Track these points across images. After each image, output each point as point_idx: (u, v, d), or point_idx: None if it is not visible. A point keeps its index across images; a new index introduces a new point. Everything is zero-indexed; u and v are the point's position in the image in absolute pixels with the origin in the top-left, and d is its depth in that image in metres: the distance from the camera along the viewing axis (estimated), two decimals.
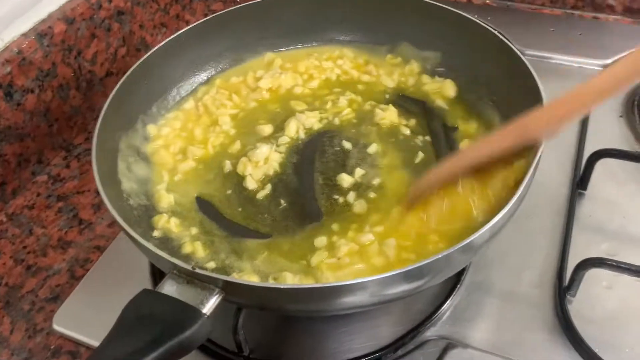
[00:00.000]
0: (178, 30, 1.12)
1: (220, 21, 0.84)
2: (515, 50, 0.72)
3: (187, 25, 1.15)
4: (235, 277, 0.58)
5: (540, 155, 0.60)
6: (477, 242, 0.54)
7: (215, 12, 1.20)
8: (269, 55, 0.89)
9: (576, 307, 0.66)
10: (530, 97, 0.66)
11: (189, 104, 0.83)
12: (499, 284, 0.70)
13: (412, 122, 0.79)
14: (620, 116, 0.89)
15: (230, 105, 0.82)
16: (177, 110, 0.83)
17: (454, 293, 0.68)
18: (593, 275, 0.64)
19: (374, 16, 0.86)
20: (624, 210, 0.76)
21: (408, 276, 0.52)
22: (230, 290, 0.52)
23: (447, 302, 0.68)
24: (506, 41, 0.74)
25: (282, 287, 0.50)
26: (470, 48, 0.79)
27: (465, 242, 0.52)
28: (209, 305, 0.51)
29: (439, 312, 0.67)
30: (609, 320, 0.65)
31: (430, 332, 0.66)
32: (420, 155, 0.74)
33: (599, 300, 0.67)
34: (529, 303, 0.67)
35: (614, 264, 0.61)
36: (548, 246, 0.73)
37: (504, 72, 0.74)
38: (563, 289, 0.66)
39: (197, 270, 0.51)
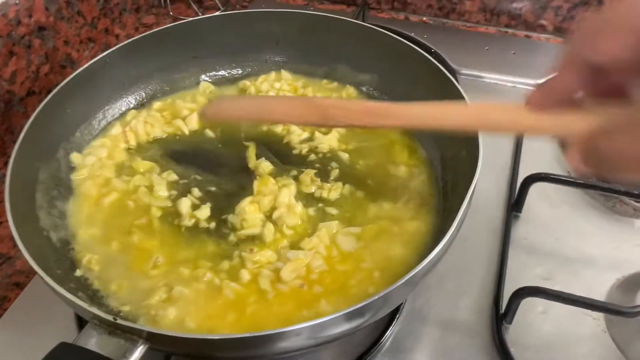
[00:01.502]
0: (107, 45, 1.08)
1: (150, 41, 0.80)
2: (446, 72, 0.72)
3: (117, 39, 1.11)
4: (158, 329, 0.54)
5: (475, 186, 0.59)
6: (419, 275, 0.53)
7: (146, 25, 1.17)
8: (203, 84, 0.86)
9: (513, 333, 0.66)
10: None
11: (116, 129, 0.78)
12: (438, 311, 0.69)
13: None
14: (553, 136, 0.91)
15: (160, 131, 0.78)
16: (103, 136, 0.78)
17: (394, 323, 0.67)
18: (529, 300, 0.65)
19: (311, 38, 0.85)
20: (557, 232, 0.77)
21: (349, 317, 0.50)
22: (156, 340, 0.49)
23: (387, 332, 0.67)
24: (437, 64, 0.73)
25: (210, 337, 0.47)
26: (405, 71, 0.79)
27: (407, 278, 0.51)
28: (133, 358, 0.48)
29: (379, 343, 0.66)
30: (545, 345, 0.66)
31: None
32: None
33: (535, 325, 0.67)
34: (468, 331, 0.67)
35: (548, 292, 0.62)
36: (485, 270, 0.73)
37: (437, 95, 0.73)
38: (500, 316, 0.67)
39: (119, 321, 0.48)
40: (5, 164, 0.89)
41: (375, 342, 0.66)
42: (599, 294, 0.70)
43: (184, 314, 0.58)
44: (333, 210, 0.68)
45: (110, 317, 0.48)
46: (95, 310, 0.49)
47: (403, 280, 0.51)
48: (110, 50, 0.77)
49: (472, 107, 0.51)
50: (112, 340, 0.49)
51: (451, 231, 0.55)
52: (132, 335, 0.49)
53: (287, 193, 0.68)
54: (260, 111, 0.63)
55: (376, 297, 0.50)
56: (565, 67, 0.40)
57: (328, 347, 0.66)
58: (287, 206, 0.67)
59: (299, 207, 0.68)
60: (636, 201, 0.78)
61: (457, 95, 0.68)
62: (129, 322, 0.49)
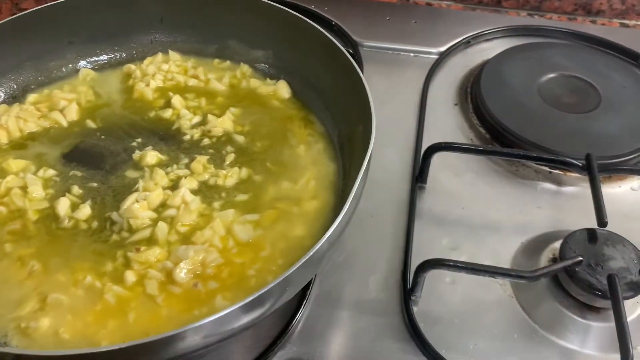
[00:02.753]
0: None
1: (16, 26, 0.72)
2: (339, 45, 0.69)
3: None
4: (22, 350, 0.49)
5: (369, 160, 0.57)
6: (317, 256, 0.50)
7: (25, 10, 1.07)
8: (83, 72, 0.79)
9: (423, 307, 0.65)
10: (356, 93, 0.63)
11: None
12: (347, 292, 0.67)
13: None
14: (455, 104, 0.90)
15: (35, 125, 0.71)
16: None
17: (301, 309, 0.64)
18: (436, 273, 0.64)
19: (198, 14, 0.79)
20: (462, 201, 0.76)
21: (247, 308, 0.47)
22: None
23: (294, 319, 0.64)
24: (330, 37, 0.70)
25: (77, 353, 0.42)
26: (300, 45, 0.75)
27: (304, 260, 0.48)
28: None
29: (287, 331, 0.63)
30: (454, 317, 0.65)
31: (282, 354, 0.61)
32: None
33: (444, 297, 0.66)
34: (378, 310, 0.65)
35: (451, 264, 0.61)
36: (393, 245, 0.71)
37: (333, 69, 0.70)
38: (407, 291, 0.65)
39: None
40: None
41: (282, 331, 0.63)
42: (505, 260, 0.70)
43: (59, 323, 0.53)
44: (229, 198, 0.64)
45: None
46: None
47: (299, 263, 0.48)
48: None
49: None
50: None
51: (346, 207, 0.52)
52: None
53: (181, 188, 0.63)
54: None
55: (272, 285, 0.47)
56: None
57: (238, 339, 0.62)
58: (183, 203, 0.62)
59: (196, 202, 0.63)
60: (537, 164, 0.78)
61: (348, 66, 0.65)
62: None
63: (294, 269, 0.48)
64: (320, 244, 0.49)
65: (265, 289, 0.47)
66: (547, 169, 0.79)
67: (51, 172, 0.66)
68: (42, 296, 0.56)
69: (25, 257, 0.59)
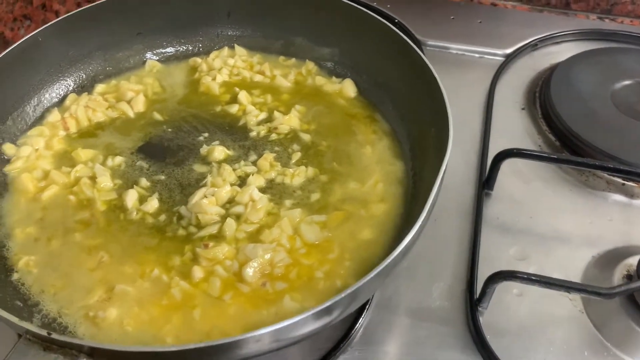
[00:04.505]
0: (46, 22, 0.99)
1: (88, 16, 0.73)
2: (410, 42, 0.67)
3: (57, 16, 1.03)
4: (99, 343, 0.49)
5: (446, 168, 0.55)
6: (390, 266, 0.49)
7: (89, 0, 1.08)
8: (150, 63, 0.79)
9: (488, 318, 0.63)
10: (429, 94, 0.62)
11: (54, 116, 0.71)
12: (409, 299, 0.65)
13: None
14: (523, 108, 0.87)
15: (103, 116, 0.71)
16: (40, 124, 0.71)
17: (363, 314, 0.63)
18: (505, 283, 0.62)
19: (265, 9, 0.79)
20: (530, 209, 0.74)
21: (316, 316, 0.46)
22: (98, 354, 0.43)
23: (357, 324, 0.62)
24: (400, 34, 0.68)
25: (154, 350, 0.42)
26: (367, 43, 0.74)
27: (377, 270, 0.47)
28: None
29: (348, 337, 0.62)
30: (522, 330, 0.62)
31: (343, 358, 0.60)
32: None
33: (511, 309, 0.64)
34: (441, 318, 0.64)
35: (524, 276, 0.58)
36: (457, 252, 0.69)
37: (402, 67, 0.69)
38: (474, 301, 0.63)
39: (54, 336, 0.42)
40: None
41: (345, 336, 0.62)
42: (575, 273, 0.67)
43: (125, 314, 0.54)
44: (296, 197, 0.63)
45: (44, 332, 0.43)
46: (26, 325, 0.43)
47: (373, 274, 0.47)
48: (43, 27, 0.69)
49: None
50: (48, 357, 0.43)
51: (422, 218, 0.51)
52: (71, 349, 0.43)
53: (250, 186, 0.62)
54: None
55: (344, 294, 0.46)
56: None
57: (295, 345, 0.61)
58: (250, 200, 0.61)
59: (263, 200, 0.62)
60: (609, 174, 0.75)
61: (423, 67, 0.64)
62: (66, 337, 0.43)
63: (368, 279, 0.47)
64: (394, 255, 0.48)
65: (337, 298, 0.45)
66: (619, 180, 0.75)
67: (119, 162, 0.67)
68: (109, 286, 0.56)
69: (94, 247, 0.60)
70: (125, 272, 0.57)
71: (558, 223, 0.72)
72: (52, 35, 0.70)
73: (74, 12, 0.72)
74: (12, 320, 0.44)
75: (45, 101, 0.72)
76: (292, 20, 0.79)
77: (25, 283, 0.57)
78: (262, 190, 0.63)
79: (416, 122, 0.67)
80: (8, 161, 0.66)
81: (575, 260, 0.68)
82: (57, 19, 0.70)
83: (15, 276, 0.57)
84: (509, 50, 0.96)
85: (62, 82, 0.74)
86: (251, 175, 0.64)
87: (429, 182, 0.54)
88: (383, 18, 0.98)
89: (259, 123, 0.71)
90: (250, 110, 0.72)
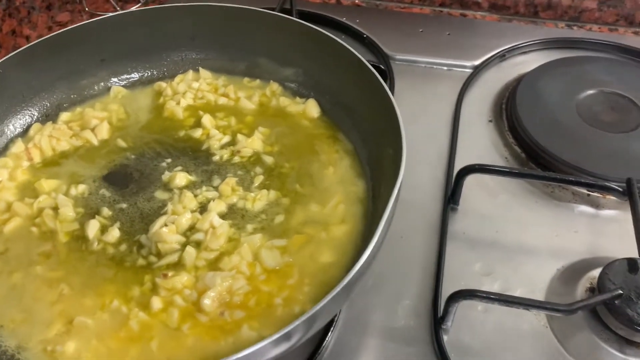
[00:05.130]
0: (16, 48, 1.00)
1: (49, 45, 0.73)
2: (368, 65, 0.67)
3: (28, 41, 1.03)
4: None
5: (400, 186, 0.55)
6: (347, 288, 0.49)
7: (60, 24, 1.09)
8: (114, 89, 0.79)
9: (454, 336, 0.63)
10: (386, 115, 0.62)
11: (18, 147, 0.71)
12: (376, 318, 0.65)
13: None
14: (490, 121, 0.88)
15: (67, 144, 0.72)
16: (3, 155, 0.71)
17: (328, 336, 0.63)
18: (469, 301, 0.62)
19: (229, 32, 0.79)
20: (496, 223, 0.74)
21: (275, 343, 0.46)
22: None
23: (322, 346, 0.62)
24: (359, 56, 0.68)
25: None
26: (330, 64, 0.74)
27: (332, 295, 0.47)
28: None
29: (315, 357, 0.62)
30: (486, 347, 0.63)
31: None
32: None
33: (476, 326, 0.64)
34: (407, 338, 0.64)
35: (484, 295, 0.59)
36: (423, 269, 0.70)
37: (363, 88, 0.69)
38: (438, 320, 0.63)
39: None
40: None
41: (310, 357, 0.62)
42: (540, 287, 0.67)
43: (84, 348, 0.54)
44: (257, 222, 0.64)
45: None
46: None
47: (328, 298, 0.47)
48: (3, 59, 0.70)
49: None
50: None
51: (376, 237, 0.51)
52: None
53: (210, 212, 0.63)
54: None
55: (300, 321, 0.46)
56: None
57: None
58: (211, 227, 0.61)
59: (224, 226, 0.62)
60: (574, 186, 0.75)
61: (378, 86, 0.64)
62: None
63: (323, 303, 0.47)
64: (349, 278, 0.48)
65: (293, 325, 0.46)
66: (585, 191, 0.76)
67: (82, 191, 0.67)
68: (68, 319, 0.56)
69: (55, 279, 0.60)
70: (85, 304, 0.57)
71: (524, 236, 0.73)
72: (13, 66, 0.70)
73: (35, 42, 0.72)
74: None
75: (8, 132, 0.73)
76: (255, 41, 0.79)
77: None
78: (223, 215, 0.64)
79: (375, 142, 0.67)
80: None
81: (541, 274, 0.69)
82: (18, 50, 0.70)
83: None
84: (477, 62, 0.96)
85: (25, 112, 0.75)
86: (212, 201, 0.64)
87: (386, 201, 0.55)
88: (352, 34, 1.00)
89: (222, 147, 0.72)
90: (213, 134, 0.73)
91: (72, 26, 0.74)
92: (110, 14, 0.75)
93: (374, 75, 0.65)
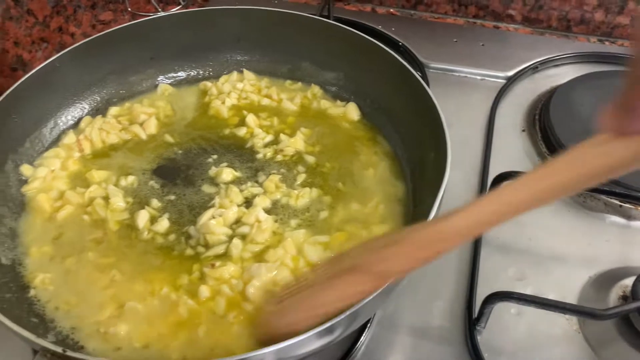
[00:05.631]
0: (62, 44, 1.03)
1: (103, 42, 0.76)
2: (409, 68, 0.69)
3: (73, 38, 1.06)
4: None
5: (444, 192, 0.57)
6: (389, 288, 0.51)
7: (103, 22, 1.12)
8: (162, 87, 0.82)
9: (486, 337, 0.65)
10: (429, 120, 0.64)
11: (70, 138, 0.74)
12: (410, 318, 0.67)
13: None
14: (523, 130, 0.89)
15: (116, 138, 0.74)
16: (56, 146, 0.74)
17: (365, 333, 0.65)
18: (502, 303, 0.63)
19: (273, 35, 0.81)
20: (529, 230, 0.76)
21: (318, 336, 0.48)
22: None
23: (358, 343, 0.64)
24: (401, 60, 0.71)
25: None
26: (371, 67, 0.76)
27: (379, 290, 0.49)
28: None
29: (351, 354, 0.64)
30: (519, 349, 0.64)
31: None
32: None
33: (509, 328, 0.66)
34: (441, 337, 0.66)
35: (520, 297, 0.60)
36: (458, 271, 0.71)
37: (403, 91, 0.71)
38: (472, 321, 0.65)
39: (69, 354, 0.45)
40: None
41: (345, 355, 0.64)
42: (572, 293, 0.69)
43: (134, 331, 0.56)
44: (300, 218, 0.66)
45: (59, 349, 0.45)
46: (42, 342, 0.46)
47: (372, 296, 0.49)
48: (60, 54, 0.73)
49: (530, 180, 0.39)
50: None
51: None
52: None
53: (256, 207, 0.65)
54: (313, 313, 0.48)
55: (345, 315, 0.48)
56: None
57: None
58: (256, 221, 0.64)
59: (269, 221, 0.64)
60: (607, 197, 0.77)
61: (423, 93, 0.66)
62: (80, 354, 0.46)
63: (368, 300, 0.49)
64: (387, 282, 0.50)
65: (339, 318, 0.47)
66: (617, 202, 0.77)
67: (131, 182, 0.69)
68: (120, 303, 0.59)
69: (106, 265, 0.62)
70: (135, 289, 0.60)
71: (556, 244, 0.74)
72: (69, 60, 0.73)
73: (89, 38, 0.75)
74: (29, 337, 0.46)
75: (61, 124, 0.75)
76: (298, 46, 0.81)
77: (40, 300, 0.60)
78: (268, 211, 0.66)
79: (417, 146, 0.69)
80: (25, 182, 0.69)
81: (572, 281, 0.70)
82: (74, 46, 0.73)
83: (31, 293, 0.60)
84: (510, 73, 0.98)
85: (77, 105, 0.77)
86: (257, 197, 0.67)
87: (429, 204, 0.57)
88: (387, 42, 1.02)
89: (266, 145, 0.74)
90: (257, 132, 0.75)
91: (125, 24, 0.77)
92: (162, 14, 0.79)
93: (418, 81, 0.67)
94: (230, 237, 0.63)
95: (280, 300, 0.51)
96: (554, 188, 0.37)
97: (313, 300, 0.48)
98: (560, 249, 0.74)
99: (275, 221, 0.65)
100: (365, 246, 0.48)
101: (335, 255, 0.54)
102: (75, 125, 0.77)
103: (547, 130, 0.86)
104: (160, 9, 1.14)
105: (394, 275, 0.45)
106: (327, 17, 1.02)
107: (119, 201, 0.67)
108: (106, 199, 0.68)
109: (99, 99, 0.79)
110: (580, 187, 0.38)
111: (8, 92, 0.67)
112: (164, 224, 0.65)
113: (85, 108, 0.78)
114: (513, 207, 0.40)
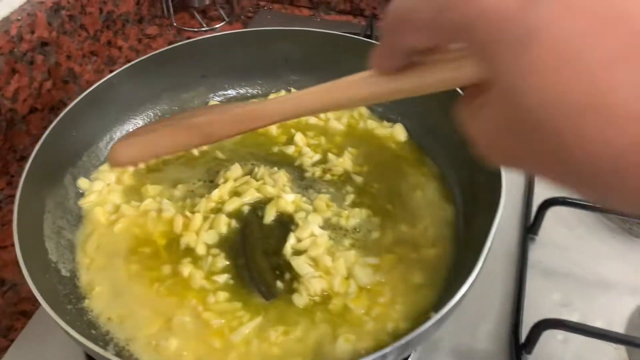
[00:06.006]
0: (110, 57, 1.06)
1: (158, 60, 0.78)
2: (462, 93, 0.70)
3: (120, 51, 1.09)
4: None
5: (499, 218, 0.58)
6: (447, 316, 0.52)
7: (149, 36, 1.15)
8: (212, 104, 0.84)
9: None
10: None
11: None
12: (455, 340, 0.68)
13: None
14: None
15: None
16: None
17: (410, 357, 0.65)
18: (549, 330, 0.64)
19: (320, 56, 0.83)
20: (574, 255, 0.76)
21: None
22: None
23: None
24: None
25: None
26: None
27: (433, 321, 0.50)
28: None
29: None
30: None
31: None
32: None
33: (556, 355, 0.66)
34: None
35: (570, 325, 0.61)
36: (503, 294, 0.72)
37: (453, 116, 0.72)
38: (519, 346, 0.65)
39: None
40: (9, 183, 0.87)
41: None
42: (620, 321, 0.69)
43: (184, 347, 0.57)
44: (350, 237, 0.67)
45: None
46: (110, 356, 0.47)
47: (427, 326, 0.50)
48: (117, 71, 0.75)
49: (329, 87, 0.47)
50: None
51: (478, 267, 0.54)
52: None
53: (310, 224, 0.66)
54: (154, 149, 0.59)
55: (404, 341, 0.49)
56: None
57: None
58: (312, 236, 0.65)
59: (324, 236, 0.65)
60: None
61: None
62: None
63: (421, 331, 0.49)
64: (449, 307, 0.51)
65: (397, 344, 0.48)
66: None
67: (184, 196, 0.71)
68: (168, 317, 0.60)
69: (156, 278, 0.64)
70: (188, 304, 0.61)
71: (601, 270, 0.74)
72: (124, 78, 0.75)
73: (145, 57, 0.77)
74: (98, 351, 0.48)
75: (116, 138, 0.78)
76: (345, 66, 0.81)
77: (94, 310, 0.62)
78: (321, 228, 0.67)
79: (466, 168, 0.70)
80: (82, 195, 0.71)
81: (619, 309, 0.70)
82: (131, 63, 0.76)
83: (86, 303, 0.62)
84: None
85: (131, 120, 0.80)
86: (309, 214, 0.68)
87: (481, 228, 0.58)
88: None
89: (314, 164, 0.75)
90: (305, 151, 0.76)
91: (178, 43, 0.80)
92: (216, 34, 0.80)
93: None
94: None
95: (132, 136, 0.61)
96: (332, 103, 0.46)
97: (152, 142, 0.58)
98: (606, 276, 0.74)
99: (330, 238, 0.66)
100: (203, 110, 0.59)
101: (181, 113, 0.64)
102: None
103: None
104: (204, 24, 1.16)
105: (216, 137, 0.54)
106: (370, 36, 1.03)
107: (170, 215, 0.69)
108: (159, 212, 0.69)
109: (152, 114, 0.81)
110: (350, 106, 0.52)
111: (68, 108, 0.69)
112: (214, 237, 0.66)
113: (139, 123, 0.80)
114: (305, 110, 0.48)
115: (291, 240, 0.65)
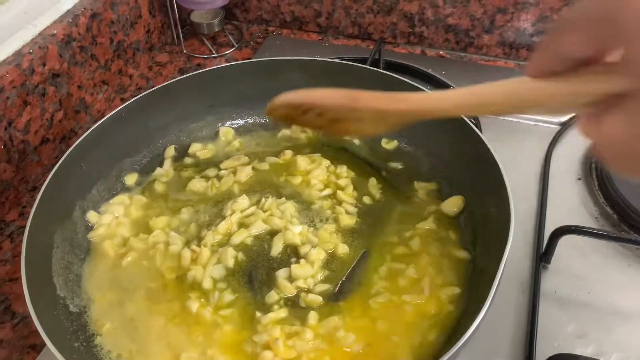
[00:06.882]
0: (121, 86, 1.07)
1: (166, 92, 0.79)
2: (474, 127, 0.70)
3: (131, 80, 1.10)
4: None
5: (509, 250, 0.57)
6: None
7: (160, 64, 1.16)
8: (223, 130, 0.85)
9: None
10: (490, 178, 0.64)
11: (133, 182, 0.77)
12: None
13: None
14: (579, 179, 0.88)
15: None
16: (121, 193, 0.76)
17: None
18: None
19: (329, 85, 0.82)
20: (588, 284, 0.74)
21: None
22: None
23: None
24: (464, 117, 0.71)
25: None
26: (427, 123, 0.76)
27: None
28: None
29: None
30: None
31: None
32: None
33: None
34: None
35: None
36: (515, 325, 0.70)
37: (457, 137, 0.72)
38: None
39: None
40: (20, 215, 0.88)
41: None
42: (637, 353, 0.67)
43: None
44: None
45: None
46: None
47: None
48: (126, 104, 0.75)
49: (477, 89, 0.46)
50: None
51: (487, 304, 0.53)
52: None
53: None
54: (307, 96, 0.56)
55: None
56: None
57: None
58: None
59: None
60: None
61: (478, 140, 0.67)
62: None
63: None
64: (454, 350, 0.50)
65: None
66: None
67: (192, 229, 0.71)
68: (176, 353, 0.60)
69: (163, 313, 0.64)
70: (193, 340, 0.61)
71: (617, 299, 0.72)
72: (135, 110, 0.76)
73: (155, 88, 0.78)
74: None
75: (125, 171, 0.78)
76: None
77: (103, 348, 0.62)
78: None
79: (473, 197, 0.70)
80: (91, 228, 0.72)
81: (636, 340, 0.68)
82: (140, 95, 0.76)
83: (96, 341, 0.62)
84: (564, 118, 0.97)
85: (141, 151, 0.80)
86: (313, 248, 0.68)
87: (490, 259, 0.57)
88: (438, 84, 1.02)
89: (322, 198, 0.75)
90: (314, 183, 0.76)
91: (189, 75, 0.80)
92: (225, 65, 0.81)
93: (468, 125, 0.68)
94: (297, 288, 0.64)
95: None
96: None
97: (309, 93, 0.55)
98: (621, 305, 0.72)
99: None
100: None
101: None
102: (138, 170, 0.79)
103: (604, 178, 0.84)
104: (214, 51, 1.17)
105: (363, 103, 0.51)
106: (378, 60, 1.03)
107: (177, 248, 0.69)
108: (167, 245, 0.69)
109: (160, 146, 0.82)
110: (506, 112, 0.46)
111: (78, 142, 0.70)
112: (221, 272, 0.66)
113: (147, 155, 0.81)
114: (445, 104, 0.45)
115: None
